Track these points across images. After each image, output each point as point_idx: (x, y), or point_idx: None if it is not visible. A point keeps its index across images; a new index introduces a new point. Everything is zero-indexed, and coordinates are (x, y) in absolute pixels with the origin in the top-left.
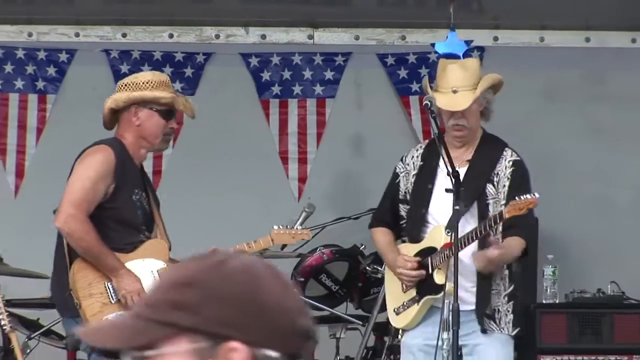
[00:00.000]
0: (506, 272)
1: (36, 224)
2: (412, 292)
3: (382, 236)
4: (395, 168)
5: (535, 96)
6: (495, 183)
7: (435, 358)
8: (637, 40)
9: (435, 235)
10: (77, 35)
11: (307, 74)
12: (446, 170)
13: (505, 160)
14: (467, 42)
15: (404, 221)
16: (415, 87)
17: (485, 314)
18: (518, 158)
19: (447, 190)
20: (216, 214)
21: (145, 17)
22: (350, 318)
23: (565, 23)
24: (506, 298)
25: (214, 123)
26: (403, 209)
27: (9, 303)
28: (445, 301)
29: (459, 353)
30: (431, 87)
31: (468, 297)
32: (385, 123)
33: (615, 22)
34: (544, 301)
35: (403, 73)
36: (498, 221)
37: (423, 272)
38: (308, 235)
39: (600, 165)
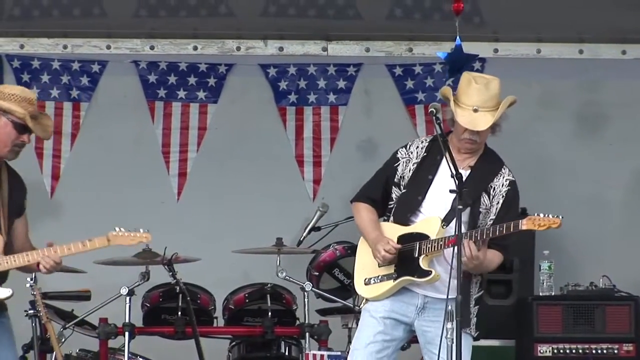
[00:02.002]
0: (479, 277)
1: (70, 223)
2: (390, 269)
3: (367, 213)
4: (397, 152)
5: (532, 104)
6: (490, 195)
7: (439, 347)
8: (628, 52)
9: (431, 224)
10: (108, 47)
11: (322, 83)
12: (449, 172)
13: (502, 177)
14: (471, 55)
15: (392, 203)
16: (420, 96)
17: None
18: (514, 179)
19: (451, 191)
20: (237, 213)
21: (171, 31)
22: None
23: (560, 36)
24: (474, 302)
25: (235, 129)
26: (395, 192)
27: (45, 295)
28: (437, 295)
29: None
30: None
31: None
32: (393, 129)
33: (607, 35)
34: (540, 294)
35: (410, 84)
36: (512, 230)
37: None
38: (147, 238)
39: (593, 168)
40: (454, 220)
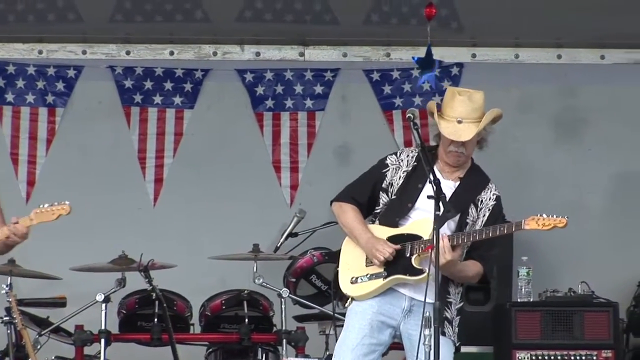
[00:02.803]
0: (460, 288)
1: (46, 229)
2: (378, 268)
3: (355, 213)
4: (386, 159)
5: (511, 109)
6: (477, 207)
7: (417, 353)
8: (606, 57)
9: (423, 225)
10: (84, 52)
11: (298, 88)
12: (438, 172)
13: (490, 192)
14: (437, 61)
15: (380, 207)
16: (398, 101)
17: (445, 317)
18: (499, 194)
19: (429, 197)
20: (213, 219)
21: (147, 36)
22: (339, 316)
23: (538, 41)
24: (456, 312)
25: (212, 134)
26: (382, 197)
27: (20, 302)
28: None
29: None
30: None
31: (430, 294)
32: (370, 135)
33: (585, 39)
34: (519, 300)
35: (387, 89)
36: (514, 230)
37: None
38: (65, 210)
39: (571, 173)
40: (446, 224)
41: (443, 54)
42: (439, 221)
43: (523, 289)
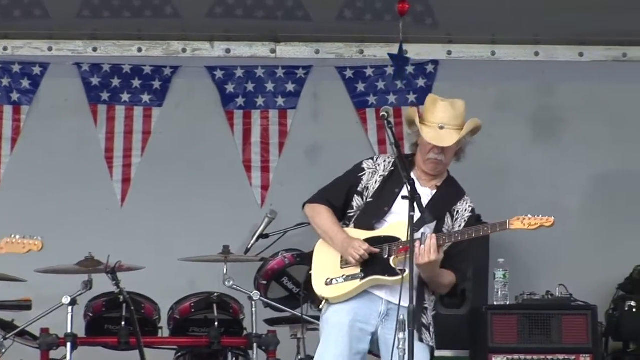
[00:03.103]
0: (434, 297)
1: (11, 229)
2: (354, 269)
3: (329, 215)
4: (362, 163)
5: (487, 107)
6: (453, 217)
7: (392, 357)
8: (585, 54)
9: (401, 228)
10: (50, 49)
11: (270, 86)
12: (414, 178)
13: (466, 203)
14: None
15: (353, 211)
16: (372, 99)
17: (423, 324)
18: (474, 207)
19: (403, 197)
20: (183, 220)
21: (115, 32)
22: (310, 319)
23: (515, 38)
24: (432, 319)
25: (181, 133)
26: (357, 200)
27: None
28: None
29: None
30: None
31: (406, 296)
32: (343, 133)
33: (563, 36)
34: (495, 303)
35: (361, 86)
36: (498, 230)
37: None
38: (38, 246)
39: (549, 173)
40: (424, 227)
41: (418, 50)
42: (417, 225)
43: (499, 292)
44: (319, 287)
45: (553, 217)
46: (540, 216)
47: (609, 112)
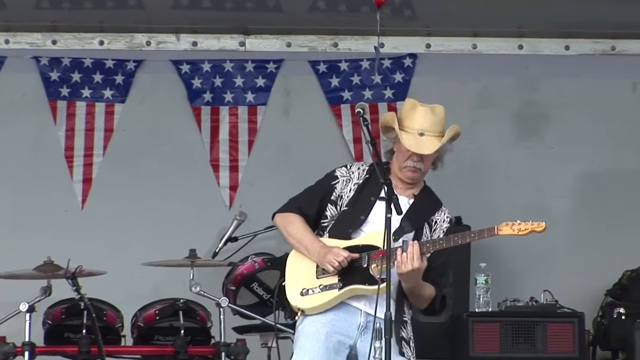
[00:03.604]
0: (411, 311)
1: None
2: (332, 279)
3: (303, 223)
4: (335, 171)
5: (468, 103)
6: (432, 227)
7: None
8: (571, 47)
9: (380, 236)
10: (7, 42)
11: (239, 81)
12: (388, 182)
13: (444, 213)
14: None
15: (327, 221)
16: (346, 95)
17: (402, 337)
18: (452, 218)
19: (380, 199)
20: (147, 222)
21: (75, 24)
22: (282, 327)
23: (497, 30)
24: (412, 333)
25: (145, 130)
26: (330, 210)
27: None
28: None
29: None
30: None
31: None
32: (317, 131)
33: (548, 29)
34: (476, 309)
35: (335, 81)
36: (485, 236)
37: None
38: None
39: (533, 173)
40: (405, 235)
41: (395, 44)
42: (395, 234)
43: (481, 298)
44: (293, 298)
45: (544, 222)
46: (531, 221)
47: (597, 108)
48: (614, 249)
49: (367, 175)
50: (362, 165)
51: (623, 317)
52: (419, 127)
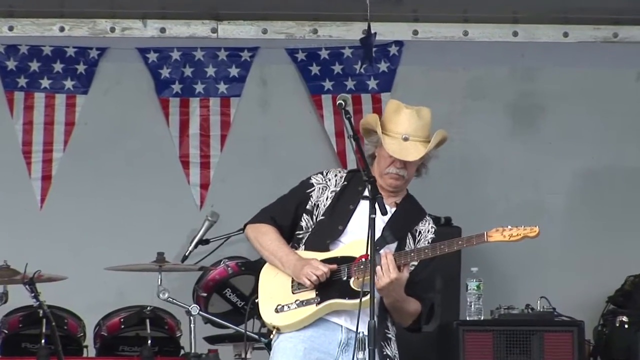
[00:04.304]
0: (394, 328)
1: None
2: (309, 294)
3: (276, 235)
4: (310, 179)
5: (459, 94)
6: (415, 238)
7: None
8: (570, 34)
9: (360, 247)
10: None
11: (210, 70)
12: (372, 180)
13: (428, 223)
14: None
15: (302, 232)
16: (327, 85)
17: (387, 355)
18: (436, 228)
19: (363, 198)
20: (111, 223)
21: (34, 9)
22: (257, 336)
23: (491, 15)
24: (397, 351)
25: (109, 124)
26: (305, 220)
27: None
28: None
29: None
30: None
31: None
32: (296, 124)
33: (545, 14)
34: (467, 318)
35: (315, 69)
36: (474, 243)
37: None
38: None
39: (530, 169)
40: (387, 246)
41: (380, 30)
42: (377, 244)
43: (472, 306)
44: (268, 315)
45: (537, 227)
46: (523, 226)
47: (598, 100)
48: (616, 252)
49: (344, 183)
50: (340, 172)
51: (626, 326)
52: (403, 131)
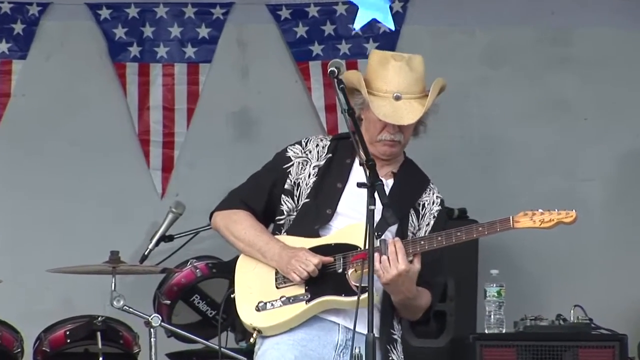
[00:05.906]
0: (401, 328)
1: None
2: (297, 289)
3: (252, 220)
4: (287, 150)
5: (474, 60)
6: (420, 213)
7: None
8: None
9: (358, 232)
10: None
11: (175, 31)
12: (361, 167)
13: (433, 194)
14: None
15: (284, 217)
16: (317, 49)
17: None
18: (443, 197)
19: (359, 185)
20: (54, 216)
21: None
22: (231, 353)
23: None
24: (403, 354)
25: (52, 96)
26: (286, 202)
27: None
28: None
29: None
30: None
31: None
32: (279, 95)
33: None
34: (486, 331)
35: (301, 31)
36: (498, 230)
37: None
38: None
39: (561, 151)
40: (390, 229)
41: None
42: (377, 229)
43: (492, 316)
44: (247, 314)
45: (575, 211)
46: (557, 210)
47: None
48: None
49: (329, 155)
50: (322, 139)
51: None
52: (393, 89)
